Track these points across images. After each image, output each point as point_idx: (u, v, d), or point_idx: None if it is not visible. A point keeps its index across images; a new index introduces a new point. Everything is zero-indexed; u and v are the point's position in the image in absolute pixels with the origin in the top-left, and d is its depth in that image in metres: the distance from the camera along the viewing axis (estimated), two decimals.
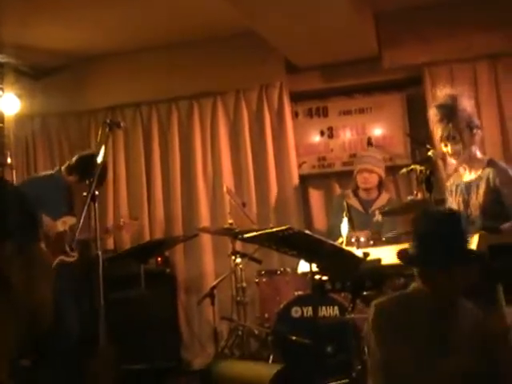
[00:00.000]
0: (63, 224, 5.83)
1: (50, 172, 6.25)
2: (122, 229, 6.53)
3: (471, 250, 3.06)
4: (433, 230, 2.96)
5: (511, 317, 3.97)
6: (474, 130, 4.60)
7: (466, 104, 4.64)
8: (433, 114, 4.71)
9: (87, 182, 5.83)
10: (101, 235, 5.05)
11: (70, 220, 5.88)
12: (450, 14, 6.84)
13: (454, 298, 2.94)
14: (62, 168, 6.07)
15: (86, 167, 5.92)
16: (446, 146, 4.65)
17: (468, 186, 4.62)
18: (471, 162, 4.65)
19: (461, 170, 4.74)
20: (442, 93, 4.77)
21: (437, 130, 4.70)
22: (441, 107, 4.65)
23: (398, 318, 2.84)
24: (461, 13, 6.81)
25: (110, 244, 7.77)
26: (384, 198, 6.59)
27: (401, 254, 3.11)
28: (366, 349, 2.95)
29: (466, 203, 4.58)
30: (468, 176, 4.66)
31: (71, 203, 6.05)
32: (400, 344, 2.79)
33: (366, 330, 2.96)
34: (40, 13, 6.47)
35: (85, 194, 4.94)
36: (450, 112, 4.59)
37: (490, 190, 4.48)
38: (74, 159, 6.05)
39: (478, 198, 4.51)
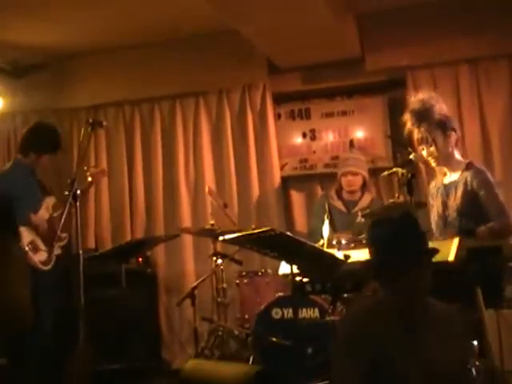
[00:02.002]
0: (47, 209, 5.77)
1: (8, 165, 6.02)
2: (92, 185, 6.33)
3: (427, 249, 3.02)
4: (387, 236, 2.94)
5: (490, 320, 4.01)
6: (448, 132, 4.63)
7: (438, 107, 4.68)
8: (406, 119, 4.76)
9: (47, 156, 5.82)
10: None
11: (50, 200, 5.82)
12: (432, 17, 6.86)
13: (421, 300, 2.93)
14: (18, 155, 5.90)
15: (35, 140, 5.84)
16: (423, 149, 4.70)
17: (447, 188, 4.66)
18: (450, 163, 4.69)
19: (442, 172, 4.78)
20: (413, 98, 4.83)
21: (413, 135, 4.76)
22: (411, 112, 4.71)
23: (367, 334, 2.82)
24: (442, 16, 6.83)
25: (91, 243, 7.76)
26: (367, 198, 6.60)
27: (364, 265, 3.09)
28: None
29: (445, 205, 4.62)
30: (448, 178, 4.69)
31: (41, 183, 5.95)
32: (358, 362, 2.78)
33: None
34: (20, 10, 6.45)
35: (67, 192, 4.93)
36: (419, 116, 4.64)
37: (467, 192, 4.51)
38: (21, 139, 5.91)
39: (455, 200, 4.55)
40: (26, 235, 5.50)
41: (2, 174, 6.07)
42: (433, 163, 4.72)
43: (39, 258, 5.51)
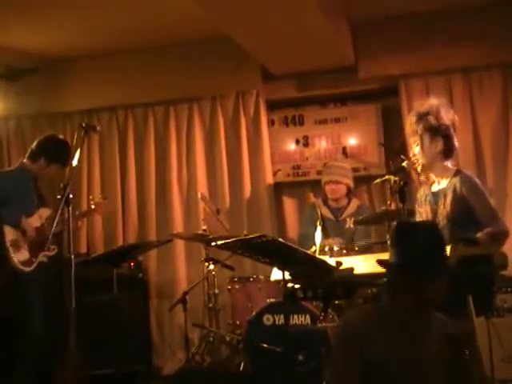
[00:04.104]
0: (39, 218, 5.76)
1: (13, 167, 6.10)
2: (93, 212, 6.44)
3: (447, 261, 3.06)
4: (420, 240, 2.94)
5: (481, 328, 4.01)
6: (436, 137, 4.63)
7: (442, 113, 4.68)
8: (409, 120, 4.78)
9: (56, 165, 5.86)
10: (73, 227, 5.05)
11: (45, 212, 5.82)
12: (426, 26, 6.90)
13: (430, 311, 2.94)
14: (25, 160, 5.92)
15: (50, 148, 5.88)
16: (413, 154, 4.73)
17: (436, 196, 4.66)
18: (434, 169, 4.69)
19: (429, 179, 4.79)
20: (423, 102, 4.84)
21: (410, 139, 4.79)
22: (416, 114, 4.71)
23: (366, 338, 2.82)
24: (436, 26, 6.86)
25: (83, 247, 7.75)
26: (353, 204, 6.62)
27: (384, 263, 3.07)
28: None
29: (434, 212, 4.62)
30: (436, 186, 4.70)
31: (41, 194, 5.97)
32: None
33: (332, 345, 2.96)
34: (14, 14, 6.45)
35: (59, 196, 4.92)
36: (420, 117, 4.65)
37: (457, 199, 4.51)
38: (34, 145, 5.93)
39: (445, 207, 4.55)
40: (10, 233, 5.50)
41: (5, 172, 6.17)
42: (418, 166, 4.73)
43: (19, 257, 5.50)
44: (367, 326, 2.85)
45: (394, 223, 3.18)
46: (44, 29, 6.96)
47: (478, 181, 4.63)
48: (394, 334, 2.82)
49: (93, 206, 6.29)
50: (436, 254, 2.92)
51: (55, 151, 5.88)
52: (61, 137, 6.20)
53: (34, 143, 5.96)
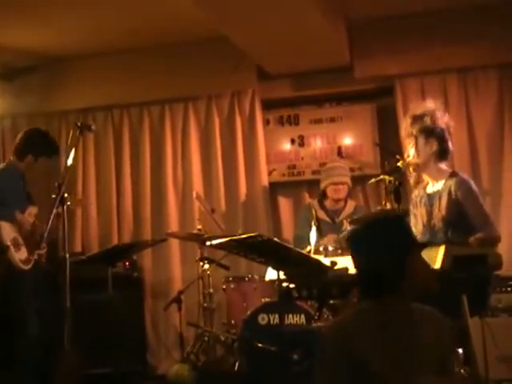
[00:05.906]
0: (29, 216, 5.74)
1: (4, 165, 5.97)
2: (77, 209, 6.40)
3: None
4: (374, 251, 2.85)
5: (475, 328, 4.02)
6: (430, 139, 4.64)
7: (437, 116, 4.69)
8: (404, 123, 4.79)
9: (43, 158, 5.82)
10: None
11: (33, 209, 5.80)
12: (421, 26, 6.90)
13: (407, 308, 2.92)
14: (11, 157, 5.85)
15: (35, 143, 5.83)
16: (408, 156, 4.74)
17: (431, 198, 4.66)
18: (428, 171, 4.70)
19: (424, 181, 4.79)
20: (418, 104, 4.85)
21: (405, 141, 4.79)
22: (411, 116, 4.72)
23: (352, 339, 2.82)
24: (432, 26, 6.87)
25: (78, 246, 7.75)
26: (350, 206, 6.61)
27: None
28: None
29: (430, 215, 4.62)
30: (431, 188, 4.70)
31: (28, 192, 5.92)
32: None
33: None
34: (9, 13, 6.44)
35: (54, 195, 4.91)
36: (415, 119, 4.67)
37: (452, 202, 4.51)
38: (17, 142, 5.84)
39: (440, 210, 4.55)
40: (10, 231, 5.47)
41: None
42: (411, 168, 4.74)
43: (20, 256, 5.48)
44: (353, 327, 2.85)
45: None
46: (43, 28, 6.96)
47: (473, 184, 4.63)
48: (377, 335, 2.81)
49: (68, 203, 6.21)
50: (391, 263, 2.81)
51: (40, 145, 5.81)
52: (40, 128, 6.12)
53: (18, 140, 5.88)
